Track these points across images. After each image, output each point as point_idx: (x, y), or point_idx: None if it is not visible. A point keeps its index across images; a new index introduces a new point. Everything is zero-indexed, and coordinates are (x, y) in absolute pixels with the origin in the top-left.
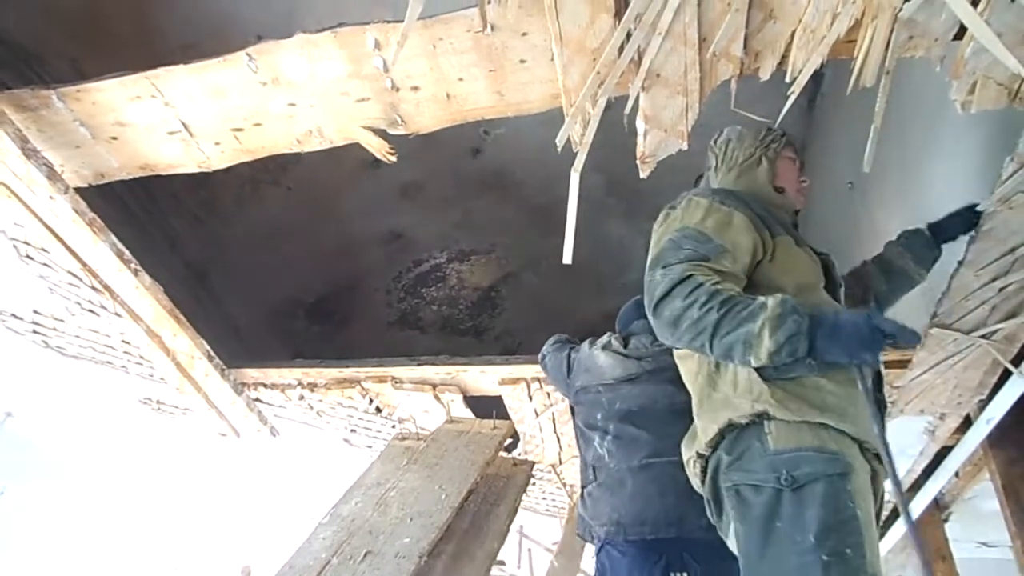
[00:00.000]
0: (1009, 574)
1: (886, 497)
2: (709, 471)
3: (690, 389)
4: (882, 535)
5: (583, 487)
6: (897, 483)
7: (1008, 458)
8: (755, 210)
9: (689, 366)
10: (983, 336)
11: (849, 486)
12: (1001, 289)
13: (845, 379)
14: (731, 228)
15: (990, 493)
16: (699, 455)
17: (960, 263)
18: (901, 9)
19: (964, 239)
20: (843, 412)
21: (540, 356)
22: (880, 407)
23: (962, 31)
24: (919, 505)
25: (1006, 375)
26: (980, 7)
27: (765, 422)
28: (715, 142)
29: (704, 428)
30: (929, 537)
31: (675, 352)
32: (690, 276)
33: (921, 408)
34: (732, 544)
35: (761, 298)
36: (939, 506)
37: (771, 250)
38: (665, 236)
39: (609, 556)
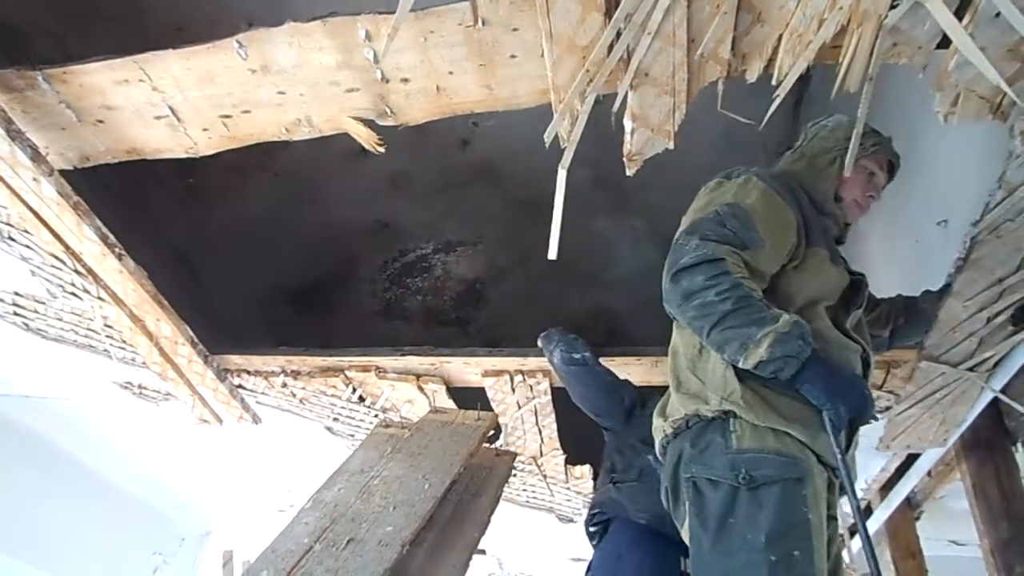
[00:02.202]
0: (977, 572)
1: (859, 494)
2: (670, 456)
3: (675, 361)
4: (855, 533)
5: (616, 481)
6: (858, 510)
7: (979, 460)
8: (804, 212)
9: (685, 338)
10: (970, 369)
11: (804, 491)
12: (989, 320)
13: None
14: (779, 225)
15: (961, 493)
16: (664, 433)
17: (948, 293)
18: (886, 17)
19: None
20: (808, 425)
21: (566, 354)
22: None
23: (945, 40)
24: (892, 503)
25: None
26: (965, 20)
27: (731, 420)
28: (813, 123)
29: (674, 409)
30: (901, 535)
31: (676, 321)
32: (722, 259)
33: (907, 444)
34: (685, 534)
35: (776, 310)
36: (911, 505)
37: (800, 259)
38: (712, 205)
39: (631, 531)
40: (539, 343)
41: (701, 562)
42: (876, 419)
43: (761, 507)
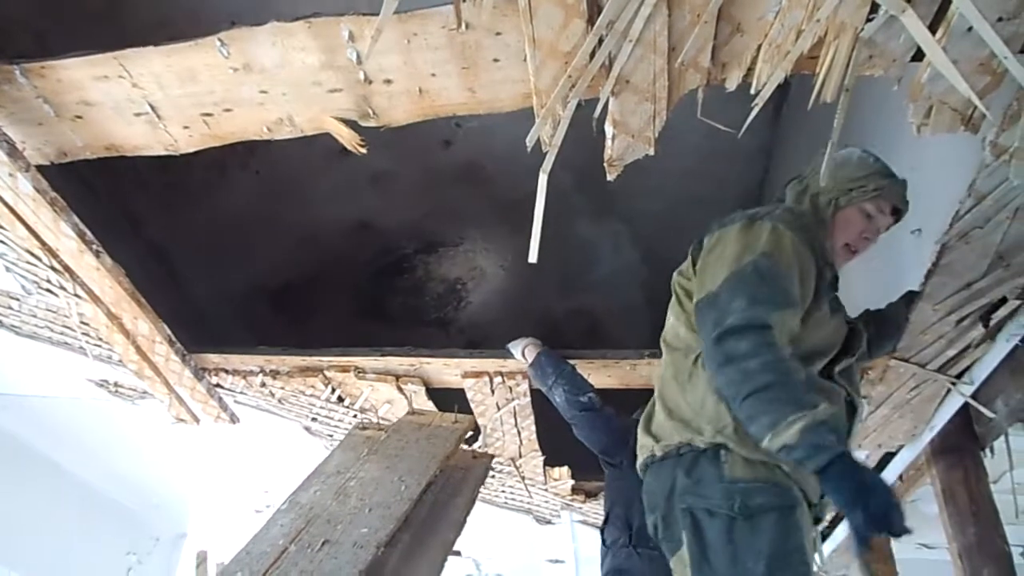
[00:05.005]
0: (946, 575)
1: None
2: (661, 481)
3: (664, 383)
4: (826, 536)
5: (636, 546)
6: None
7: (948, 464)
8: (817, 265)
9: (677, 361)
10: (938, 369)
11: (798, 518)
12: (958, 323)
13: None
14: (806, 283)
15: (931, 497)
16: (651, 453)
17: (914, 298)
18: (863, 29)
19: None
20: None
21: (572, 396)
22: None
23: (920, 53)
24: None
25: None
26: (938, 34)
27: (723, 451)
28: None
29: (666, 433)
30: (872, 538)
31: (667, 338)
32: (768, 327)
33: (879, 443)
34: (677, 563)
35: (816, 396)
36: None
37: (803, 317)
38: (747, 255)
39: None
40: (528, 367)
41: None
42: (909, 532)
43: (758, 535)
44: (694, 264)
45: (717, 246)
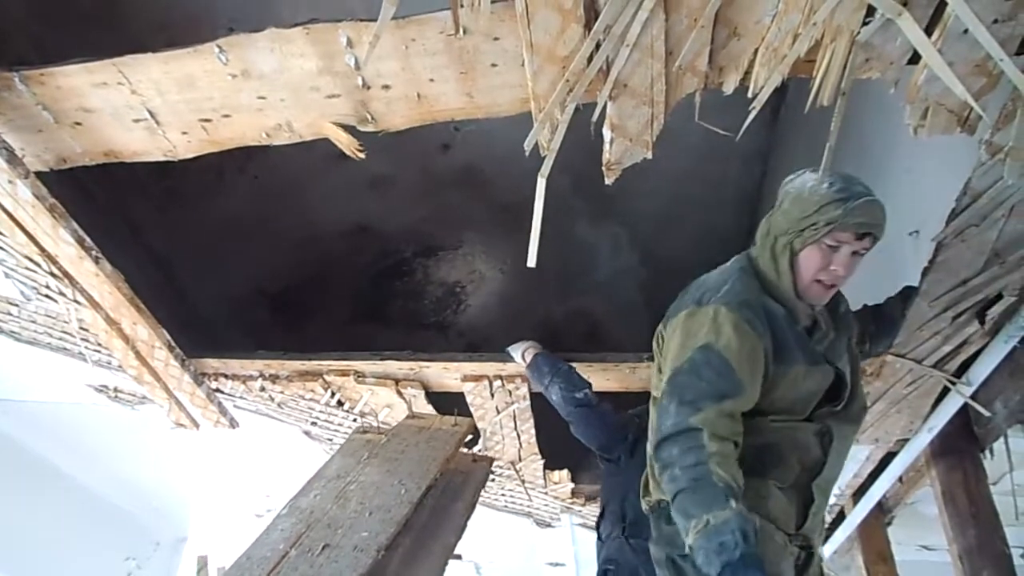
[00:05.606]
0: None
1: (832, 500)
2: (654, 530)
3: (649, 424)
4: (827, 538)
5: (628, 536)
6: None
7: (948, 465)
8: (777, 333)
9: (654, 421)
10: (934, 365)
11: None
12: (954, 319)
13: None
14: (753, 362)
15: (931, 499)
16: (645, 507)
17: (911, 295)
18: (859, 32)
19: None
20: (759, 497)
21: (567, 393)
22: None
23: (916, 56)
24: (864, 508)
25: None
26: (934, 37)
27: None
28: (784, 185)
29: (651, 488)
30: (873, 539)
31: (653, 398)
32: (699, 430)
33: (876, 438)
34: None
35: (727, 501)
36: (883, 510)
37: (769, 383)
38: (686, 351)
39: None
40: (525, 369)
41: None
42: None
43: None
44: (662, 339)
45: (673, 335)
